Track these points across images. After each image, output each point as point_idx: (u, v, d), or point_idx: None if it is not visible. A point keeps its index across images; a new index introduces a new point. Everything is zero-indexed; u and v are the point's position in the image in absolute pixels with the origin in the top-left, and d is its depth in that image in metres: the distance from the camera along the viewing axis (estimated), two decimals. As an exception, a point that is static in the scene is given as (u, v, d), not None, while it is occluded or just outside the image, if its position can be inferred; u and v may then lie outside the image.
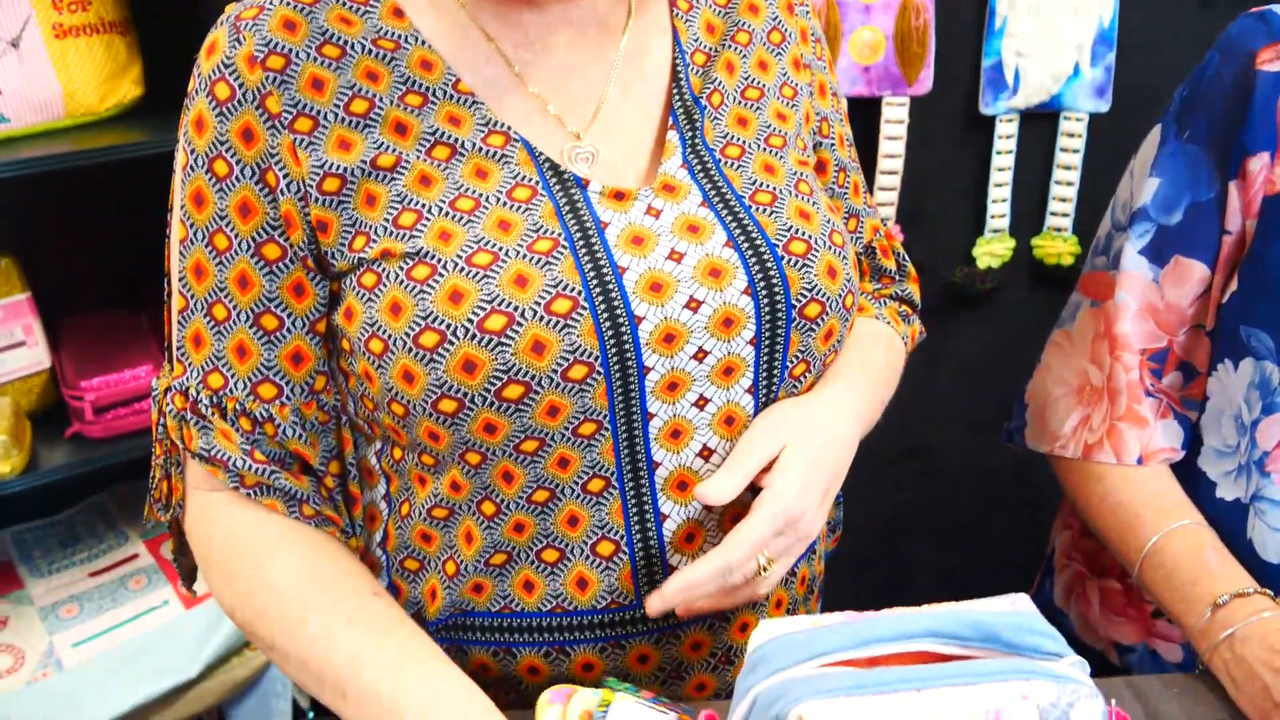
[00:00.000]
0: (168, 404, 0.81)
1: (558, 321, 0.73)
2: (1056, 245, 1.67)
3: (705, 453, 0.80)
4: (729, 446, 0.81)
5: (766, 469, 0.79)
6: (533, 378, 0.73)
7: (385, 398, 0.76)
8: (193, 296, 0.79)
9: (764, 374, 0.81)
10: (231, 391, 0.79)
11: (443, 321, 0.73)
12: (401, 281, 0.75)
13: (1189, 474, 0.99)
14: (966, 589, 0.73)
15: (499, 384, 0.73)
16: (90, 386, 1.50)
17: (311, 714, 0.92)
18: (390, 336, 0.74)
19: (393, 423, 0.78)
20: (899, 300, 1.03)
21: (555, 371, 0.74)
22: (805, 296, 0.80)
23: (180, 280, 0.80)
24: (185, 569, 0.90)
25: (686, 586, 0.76)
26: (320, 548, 0.80)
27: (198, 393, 0.80)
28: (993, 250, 1.67)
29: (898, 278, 1.03)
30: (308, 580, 0.78)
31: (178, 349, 0.81)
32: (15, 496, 1.48)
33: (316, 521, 0.82)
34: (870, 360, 0.91)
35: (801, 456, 0.79)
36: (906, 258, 1.05)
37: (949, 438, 1.78)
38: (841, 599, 0.81)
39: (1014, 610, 0.68)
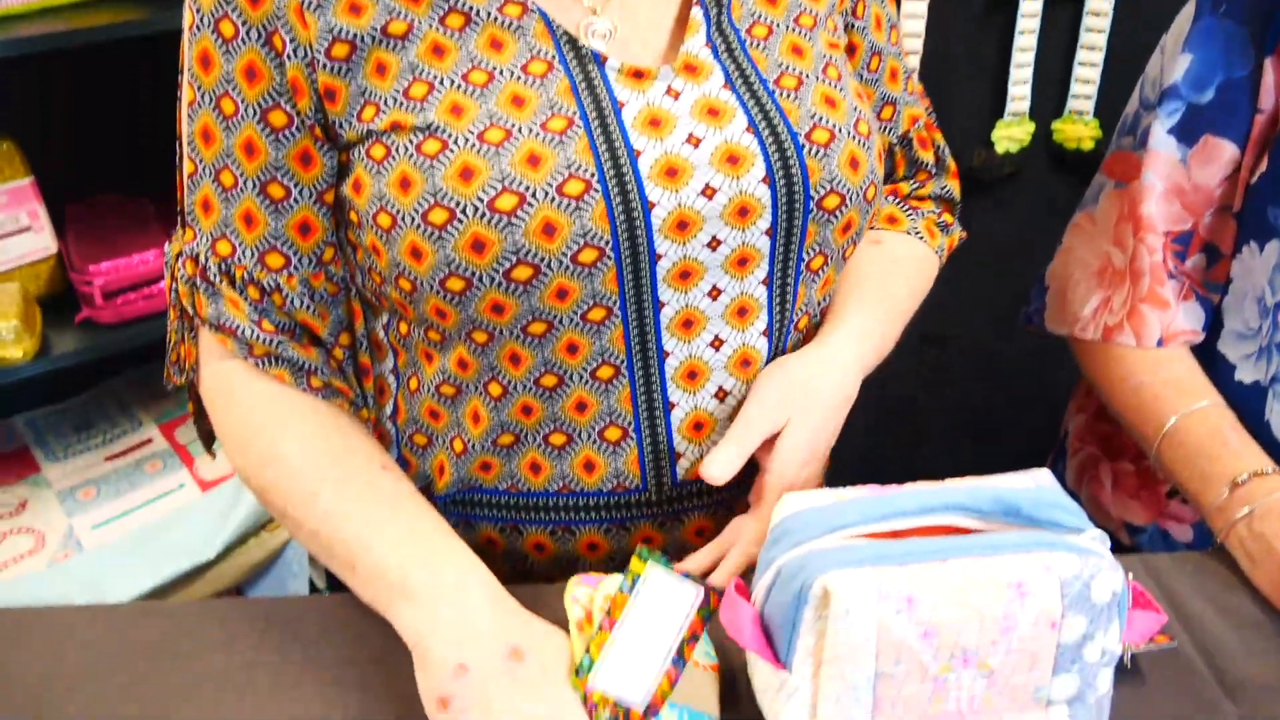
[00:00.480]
0: (179, 269, 0.81)
1: (569, 204, 0.72)
2: (1077, 129, 1.63)
3: (716, 343, 0.80)
4: (740, 338, 0.80)
5: (770, 439, 0.79)
6: (542, 260, 0.72)
7: (393, 273, 0.75)
8: (201, 161, 0.78)
9: (779, 265, 0.79)
10: (239, 260, 0.78)
11: (452, 199, 0.72)
12: (411, 156, 0.73)
13: (1208, 357, 0.98)
14: (980, 475, 0.73)
15: (508, 265, 0.72)
16: (99, 271, 1.49)
17: (327, 591, 0.93)
18: (399, 212, 0.73)
19: (400, 298, 0.77)
20: (938, 200, 0.99)
21: (565, 254, 0.72)
22: (825, 188, 0.78)
23: (189, 144, 0.79)
24: (204, 432, 0.91)
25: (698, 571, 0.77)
26: (330, 421, 0.80)
27: (206, 259, 0.79)
28: (1011, 134, 1.64)
29: (935, 172, 0.99)
30: (318, 455, 0.78)
31: (189, 213, 0.81)
32: (28, 382, 1.48)
33: (325, 393, 0.81)
34: (888, 292, 0.89)
35: (805, 431, 0.79)
36: (947, 150, 1.01)
37: (965, 325, 1.77)
38: (854, 485, 0.81)
39: (1035, 485, 0.68)
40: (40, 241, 1.52)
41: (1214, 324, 0.98)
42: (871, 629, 0.61)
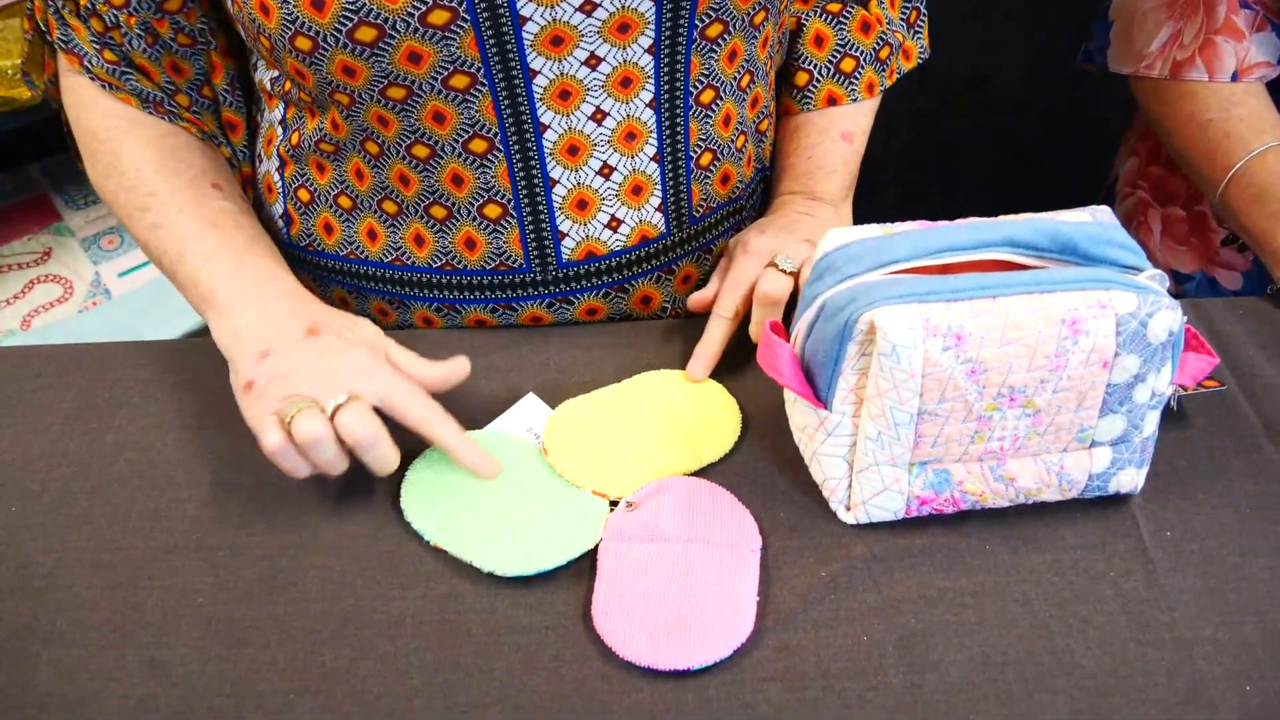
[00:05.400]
0: None
1: None
2: None
3: (598, 116, 0.75)
4: (624, 110, 0.76)
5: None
6: (386, 20, 0.67)
7: (253, 29, 0.72)
8: None
9: (666, 32, 0.73)
10: None
11: None
12: None
13: (1283, 94, 0.92)
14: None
15: (349, 25, 0.67)
16: (103, 7, 1.41)
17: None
18: None
19: (266, 54, 0.75)
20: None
21: (411, 15, 0.67)
22: None
23: None
24: (73, 144, 0.91)
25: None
26: (169, 138, 0.80)
27: None
28: None
29: None
30: (151, 169, 0.79)
31: None
32: (41, 126, 1.44)
33: (171, 118, 0.81)
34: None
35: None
36: None
37: (1009, 67, 1.69)
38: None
39: (1094, 221, 0.65)
40: (39, -25, 1.44)
41: (1291, 58, 0.92)
42: (918, 365, 0.59)
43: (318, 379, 0.68)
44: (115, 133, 0.80)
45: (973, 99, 1.72)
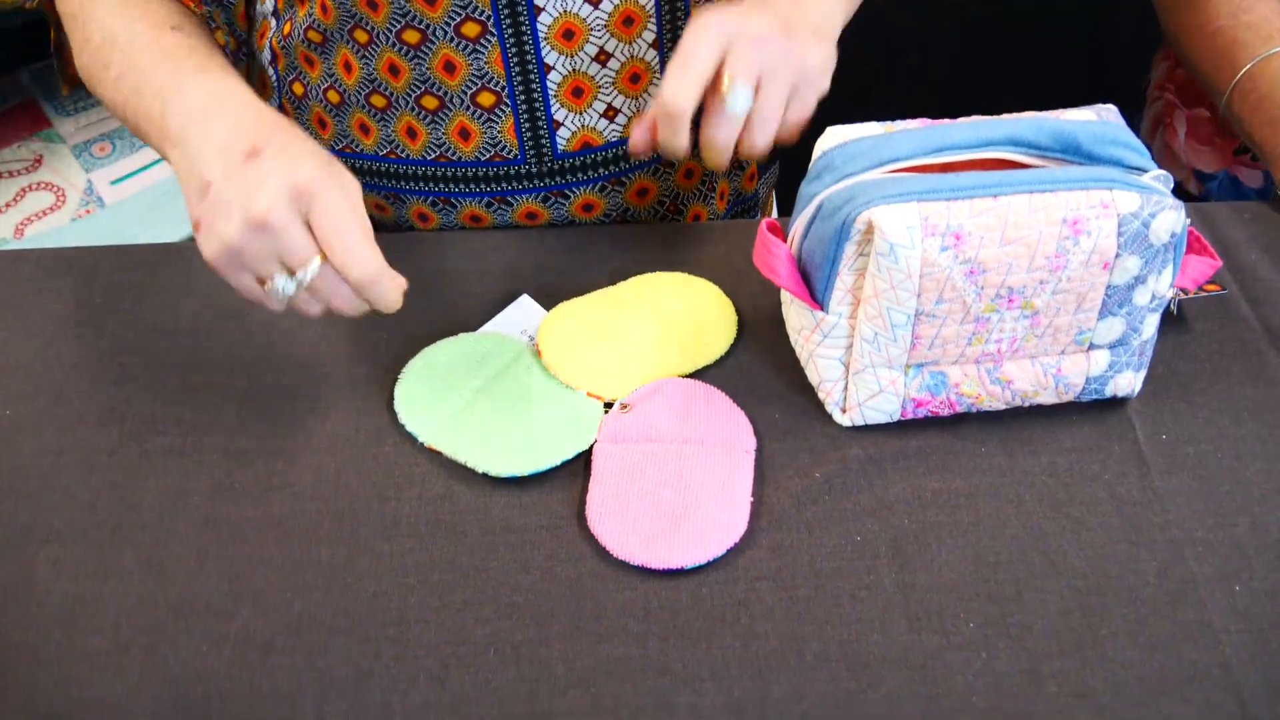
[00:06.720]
0: None
1: None
2: None
3: (602, 58, 0.74)
4: (628, 50, 0.74)
5: None
6: None
7: None
8: None
9: None
10: None
11: None
12: None
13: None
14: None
15: None
16: (86, -96, 1.37)
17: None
18: None
19: None
20: None
21: None
22: None
23: None
24: (62, 70, 0.86)
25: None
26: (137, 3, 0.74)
27: None
28: None
29: None
30: (114, 19, 0.72)
31: None
32: (27, 30, 1.41)
33: None
34: None
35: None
36: None
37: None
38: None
39: (1099, 120, 0.64)
40: None
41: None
42: (916, 265, 0.59)
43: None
44: (86, 5, 0.74)
45: (975, 11, 1.67)
